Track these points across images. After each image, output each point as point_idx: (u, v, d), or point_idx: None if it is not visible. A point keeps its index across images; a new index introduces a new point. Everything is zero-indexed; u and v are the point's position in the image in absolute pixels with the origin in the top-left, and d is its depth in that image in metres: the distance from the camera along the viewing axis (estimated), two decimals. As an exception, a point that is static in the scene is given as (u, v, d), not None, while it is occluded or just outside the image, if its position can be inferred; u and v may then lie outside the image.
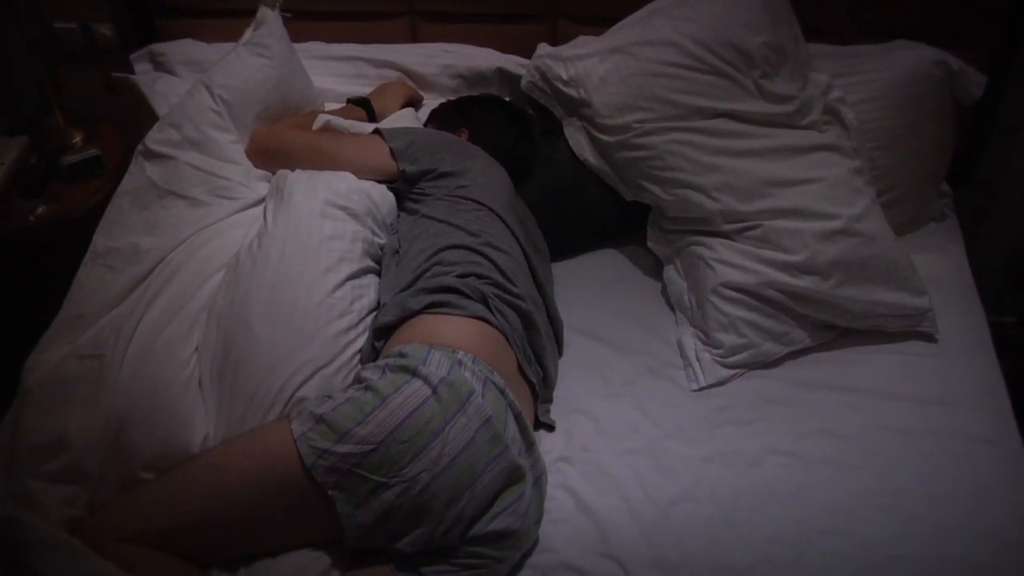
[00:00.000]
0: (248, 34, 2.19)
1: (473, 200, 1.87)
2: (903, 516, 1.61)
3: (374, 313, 1.76)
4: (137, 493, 1.51)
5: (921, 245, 2.16)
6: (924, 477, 1.67)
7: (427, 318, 1.67)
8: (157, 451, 1.53)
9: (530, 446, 1.59)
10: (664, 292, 2.08)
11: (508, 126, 2.15)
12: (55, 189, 2.49)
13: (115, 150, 2.56)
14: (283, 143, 1.99)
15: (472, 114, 2.17)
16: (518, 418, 1.58)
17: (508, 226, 1.88)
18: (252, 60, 2.10)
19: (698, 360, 1.90)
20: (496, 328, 1.69)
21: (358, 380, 1.57)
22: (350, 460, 1.42)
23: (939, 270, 2.10)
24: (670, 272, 2.07)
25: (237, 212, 1.90)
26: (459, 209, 1.85)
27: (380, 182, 1.92)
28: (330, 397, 1.53)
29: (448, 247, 1.78)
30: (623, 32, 2.15)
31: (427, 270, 1.75)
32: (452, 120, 2.16)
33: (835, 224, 1.90)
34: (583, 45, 2.16)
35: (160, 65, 2.38)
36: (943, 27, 2.21)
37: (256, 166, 2.00)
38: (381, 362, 1.57)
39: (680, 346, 1.95)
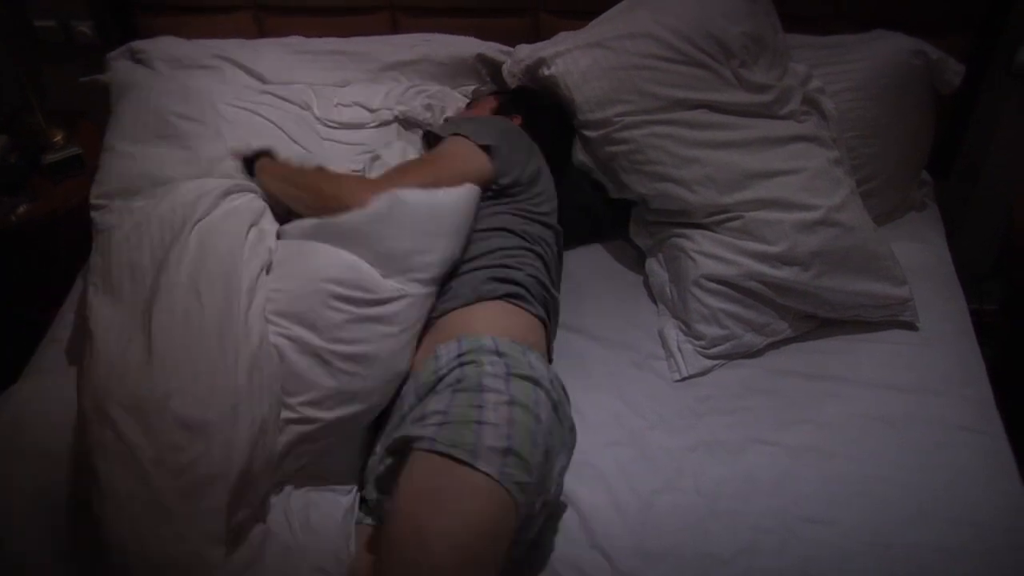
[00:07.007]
0: None
1: (542, 214, 1.88)
2: (886, 504, 1.62)
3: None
4: None
5: (902, 234, 2.17)
6: (906, 465, 1.68)
7: (503, 306, 1.70)
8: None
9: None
10: (646, 284, 2.09)
11: (558, 121, 2.13)
12: (36, 188, 2.48)
13: (96, 148, 2.54)
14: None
15: (524, 101, 2.13)
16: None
17: (555, 230, 1.91)
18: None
19: (680, 351, 1.91)
20: (547, 333, 1.79)
21: (479, 387, 1.49)
22: (535, 489, 1.45)
23: (920, 259, 2.11)
24: (652, 264, 2.07)
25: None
26: (525, 220, 1.85)
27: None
28: (482, 424, 1.44)
29: (510, 247, 1.79)
30: (603, 26, 2.14)
31: (495, 264, 1.75)
32: (507, 104, 2.12)
33: (815, 215, 1.90)
34: (562, 41, 2.15)
35: (140, 62, 2.36)
36: (922, 16, 2.22)
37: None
38: (498, 368, 1.53)
39: (662, 337, 1.95)
